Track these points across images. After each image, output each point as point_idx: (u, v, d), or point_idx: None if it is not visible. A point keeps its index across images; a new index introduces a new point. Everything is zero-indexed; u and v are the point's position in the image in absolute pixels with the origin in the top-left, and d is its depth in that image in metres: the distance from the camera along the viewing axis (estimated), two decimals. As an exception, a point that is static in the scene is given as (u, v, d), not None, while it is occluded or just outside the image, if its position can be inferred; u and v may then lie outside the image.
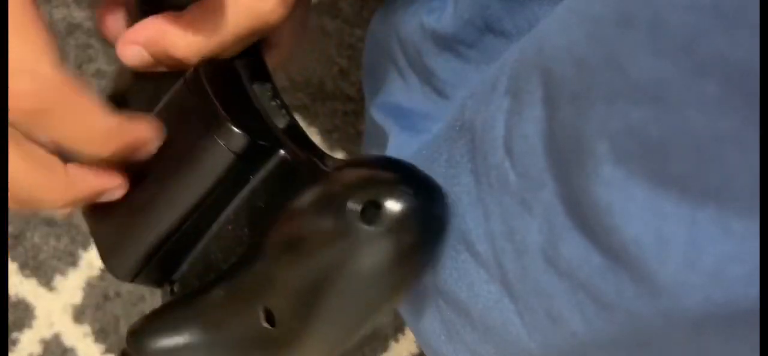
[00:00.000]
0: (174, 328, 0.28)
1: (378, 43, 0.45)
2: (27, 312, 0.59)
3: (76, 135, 0.24)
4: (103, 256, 0.29)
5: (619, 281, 0.18)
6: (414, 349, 0.59)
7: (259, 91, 0.28)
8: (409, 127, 0.38)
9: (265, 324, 0.26)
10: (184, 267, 0.29)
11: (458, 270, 0.27)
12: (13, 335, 0.59)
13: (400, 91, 0.40)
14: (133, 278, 0.29)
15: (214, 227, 0.28)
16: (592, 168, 0.18)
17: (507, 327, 0.25)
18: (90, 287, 0.59)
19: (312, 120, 0.58)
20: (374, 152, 0.43)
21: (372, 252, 0.23)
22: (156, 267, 0.29)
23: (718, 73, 0.15)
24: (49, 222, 0.58)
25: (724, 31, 0.15)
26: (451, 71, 0.34)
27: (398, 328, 0.59)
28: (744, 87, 0.15)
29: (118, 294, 0.58)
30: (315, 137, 0.58)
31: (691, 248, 0.16)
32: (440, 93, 0.36)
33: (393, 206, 0.22)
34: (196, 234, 0.28)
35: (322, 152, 0.28)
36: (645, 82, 0.17)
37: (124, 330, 0.59)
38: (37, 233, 0.58)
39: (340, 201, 0.23)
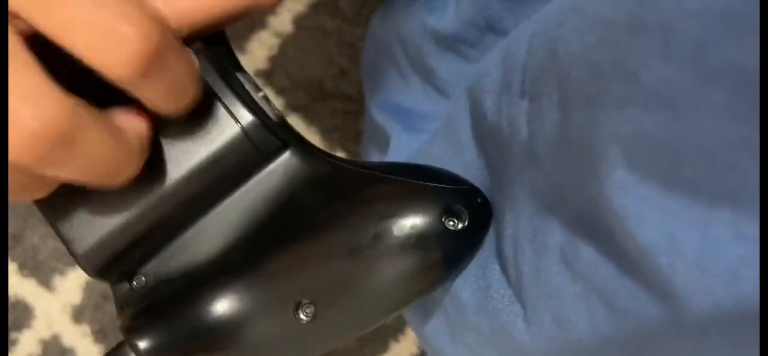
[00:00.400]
0: (181, 324, 0.27)
1: (378, 43, 0.44)
2: (26, 313, 0.59)
3: (95, 164, 0.21)
4: (72, 245, 0.26)
5: (633, 286, 0.18)
6: (414, 349, 0.59)
7: (243, 81, 0.27)
8: (410, 127, 0.38)
9: (302, 318, 0.26)
10: (154, 260, 0.27)
11: (481, 269, 0.27)
12: (12, 335, 0.59)
13: (401, 90, 0.40)
14: (104, 272, 0.26)
15: (205, 218, 0.27)
16: (605, 172, 0.18)
17: (511, 332, 0.25)
18: (89, 287, 0.59)
19: (312, 120, 0.58)
20: (374, 151, 0.43)
21: (444, 250, 0.26)
22: (129, 260, 0.26)
23: (727, 80, 0.15)
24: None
25: (733, 38, 0.15)
26: (453, 71, 0.34)
27: (398, 328, 0.59)
28: (753, 94, 0.15)
29: (117, 294, 0.58)
30: (315, 136, 0.58)
31: (703, 252, 0.16)
32: (441, 92, 0.36)
33: (475, 210, 0.26)
34: (183, 225, 0.27)
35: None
36: (655, 88, 0.17)
37: (123, 330, 0.59)
38: (36, 233, 0.58)
39: (424, 206, 0.26)
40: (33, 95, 0.19)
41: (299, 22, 0.57)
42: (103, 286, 0.58)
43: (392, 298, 0.27)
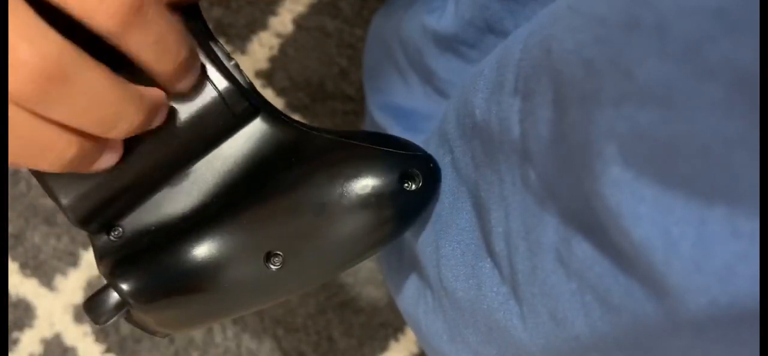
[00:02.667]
0: (160, 269, 0.29)
1: (378, 43, 0.45)
2: (28, 312, 0.59)
3: (93, 104, 0.23)
4: (57, 196, 0.28)
5: (628, 283, 0.18)
6: (414, 349, 0.59)
7: (217, 50, 0.28)
8: (411, 127, 0.38)
9: (271, 266, 0.29)
10: (132, 213, 0.29)
11: (470, 267, 0.27)
12: (13, 335, 0.59)
13: (401, 91, 0.40)
14: (86, 222, 0.29)
15: (181, 176, 0.29)
16: (600, 170, 0.18)
17: (509, 329, 0.25)
18: (90, 287, 0.59)
19: (312, 120, 0.58)
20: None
21: (400, 207, 0.29)
22: (109, 212, 0.29)
23: (724, 77, 0.16)
24: (50, 222, 0.58)
25: (728, 35, 0.15)
26: (452, 71, 0.34)
27: (398, 328, 0.59)
28: (749, 90, 0.15)
29: (118, 294, 0.58)
30: (315, 136, 0.58)
31: (698, 249, 0.16)
32: (441, 93, 0.36)
33: (428, 174, 0.30)
34: (160, 182, 0.29)
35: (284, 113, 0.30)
36: (651, 85, 0.17)
37: (124, 329, 0.59)
38: (37, 233, 0.58)
39: (384, 169, 0.29)
40: (30, 34, 0.21)
41: (299, 22, 0.57)
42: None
43: (353, 249, 0.30)
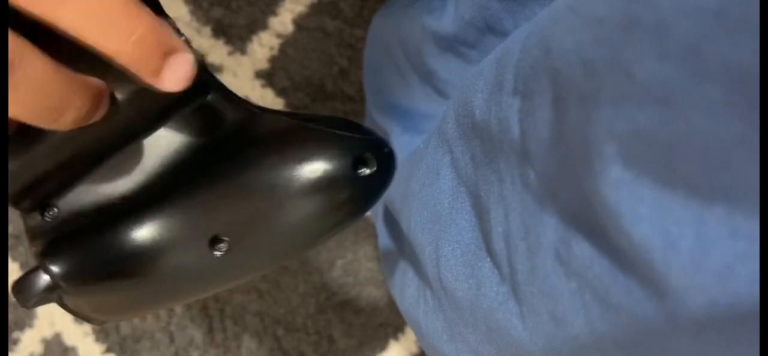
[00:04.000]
0: (96, 251, 0.28)
1: (378, 44, 0.45)
2: (28, 312, 0.59)
3: (38, 95, 0.22)
4: None
5: (628, 282, 0.18)
6: (414, 349, 0.59)
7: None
8: (411, 127, 0.39)
9: (216, 252, 0.27)
10: (69, 192, 0.28)
11: (470, 267, 0.27)
12: (14, 334, 0.59)
13: (401, 91, 0.40)
14: (18, 201, 0.27)
15: (123, 155, 0.27)
16: (600, 169, 0.18)
17: (508, 329, 0.25)
18: (90, 287, 0.59)
19: (312, 120, 0.58)
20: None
21: (353, 192, 0.28)
22: (43, 190, 0.27)
23: (723, 77, 0.16)
24: (50, 222, 0.58)
25: (727, 35, 0.15)
26: (452, 71, 0.34)
27: (398, 328, 0.59)
28: (748, 90, 0.15)
29: (118, 294, 0.58)
30: (315, 136, 0.58)
31: (698, 248, 0.16)
32: (441, 93, 0.36)
33: (383, 159, 0.28)
34: (100, 160, 0.27)
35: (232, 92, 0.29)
36: (651, 85, 0.17)
37: (124, 329, 0.59)
38: (37, 233, 0.58)
39: (336, 152, 0.27)
40: None
41: (299, 22, 0.57)
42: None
43: (302, 235, 0.29)
